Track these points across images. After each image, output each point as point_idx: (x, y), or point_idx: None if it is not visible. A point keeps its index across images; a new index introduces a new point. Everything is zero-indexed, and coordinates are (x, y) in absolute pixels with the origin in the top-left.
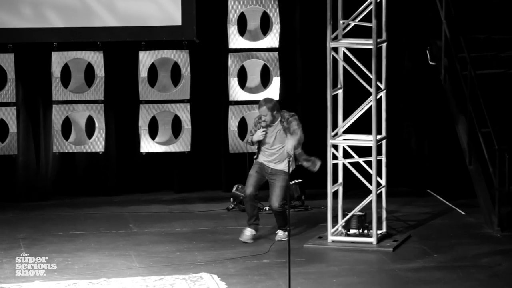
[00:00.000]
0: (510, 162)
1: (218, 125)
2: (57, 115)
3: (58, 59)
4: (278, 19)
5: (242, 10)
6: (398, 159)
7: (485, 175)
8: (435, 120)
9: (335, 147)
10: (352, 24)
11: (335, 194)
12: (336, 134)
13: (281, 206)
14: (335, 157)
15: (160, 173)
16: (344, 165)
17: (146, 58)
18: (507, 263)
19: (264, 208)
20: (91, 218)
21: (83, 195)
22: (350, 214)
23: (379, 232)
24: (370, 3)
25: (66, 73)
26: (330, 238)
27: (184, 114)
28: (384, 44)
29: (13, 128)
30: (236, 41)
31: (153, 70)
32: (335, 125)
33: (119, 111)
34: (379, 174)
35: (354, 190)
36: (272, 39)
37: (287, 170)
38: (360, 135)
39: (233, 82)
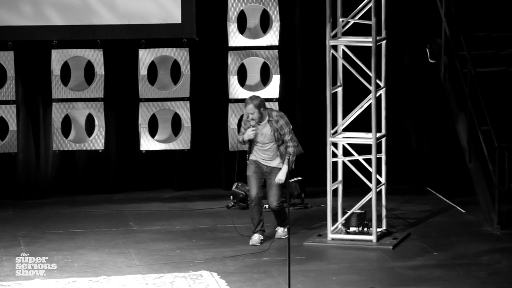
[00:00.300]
0: (510, 160)
1: (218, 123)
2: (57, 113)
3: (58, 57)
4: (277, 17)
5: (242, 8)
6: (397, 157)
7: (484, 173)
8: (435, 118)
9: (335, 145)
10: (352, 22)
11: (334, 192)
12: (336, 132)
13: (279, 204)
14: (334, 155)
15: (160, 171)
16: (343, 163)
17: (146, 56)
18: (507, 261)
19: (264, 206)
20: (91, 216)
21: (83, 193)
22: (350, 212)
23: (378, 230)
24: (370, 1)
25: (66, 71)
26: (330, 236)
27: (184, 112)
28: (384, 42)
29: (13, 126)
30: (236, 39)
31: (153, 68)
32: (334, 123)
33: (119, 109)
34: (378, 172)
35: (354, 188)
36: (272, 37)
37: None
38: (359, 133)
39: (233, 80)
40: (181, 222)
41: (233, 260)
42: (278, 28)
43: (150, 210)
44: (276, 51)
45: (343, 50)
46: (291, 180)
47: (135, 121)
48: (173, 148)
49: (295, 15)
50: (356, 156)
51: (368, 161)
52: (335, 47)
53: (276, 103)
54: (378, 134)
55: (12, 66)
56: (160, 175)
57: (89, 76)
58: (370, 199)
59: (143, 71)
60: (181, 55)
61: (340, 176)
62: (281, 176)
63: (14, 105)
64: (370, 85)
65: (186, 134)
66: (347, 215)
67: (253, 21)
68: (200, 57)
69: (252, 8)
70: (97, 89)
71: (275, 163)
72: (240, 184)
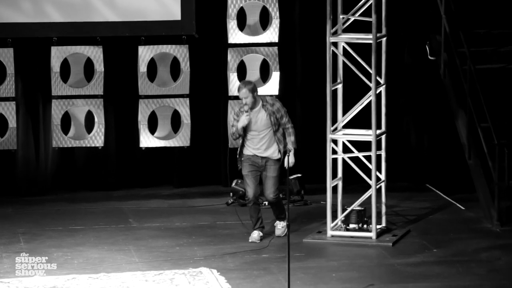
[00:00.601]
0: (510, 156)
1: (217, 120)
2: (57, 110)
3: (57, 54)
4: (277, 14)
5: (241, 5)
6: (397, 153)
7: (484, 170)
8: (434, 115)
9: (335, 141)
10: (352, 19)
11: (334, 188)
12: (336, 128)
13: (275, 196)
14: (334, 151)
15: (159, 168)
16: (343, 159)
17: (145, 53)
18: (506, 258)
19: (264, 203)
20: (90, 213)
21: (82, 190)
22: (349, 209)
23: (378, 226)
24: None
25: (65, 68)
26: (330, 233)
27: (184, 109)
28: (384, 39)
29: (12, 123)
30: (235, 36)
31: (152, 65)
32: (334, 120)
33: (118, 106)
34: (378, 169)
35: (354, 185)
36: (271, 34)
37: (278, 157)
38: (359, 129)
39: (233, 77)
40: (180, 219)
41: (232, 257)
42: (278, 25)
43: (150, 207)
44: (276, 48)
45: (343, 47)
46: (291, 177)
47: (135, 118)
48: (172, 145)
49: (295, 12)
50: (356, 153)
51: (368, 158)
52: (335, 44)
53: None
54: (378, 131)
55: (11, 63)
56: (160, 172)
57: (88, 73)
58: (370, 196)
59: (142, 68)
60: (181, 52)
61: (340, 173)
62: (291, 159)
63: (14, 102)
64: (370, 82)
65: (185, 131)
66: (346, 212)
67: (252, 18)
68: (199, 54)
69: (251, 5)
70: (96, 86)
71: (271, 151)
72: (239, 181)
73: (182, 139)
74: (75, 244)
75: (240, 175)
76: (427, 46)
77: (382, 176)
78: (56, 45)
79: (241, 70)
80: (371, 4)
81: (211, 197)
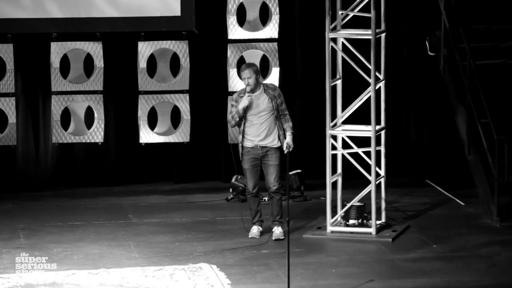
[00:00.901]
0: (509, 152)
1: (217, 116)
2: (56, 106)
3: (57, 50)
4: (277, 10)
5: (241, 1)
6: (397, 149)
7: (484, 166)
8: (434, 110)
9: (334, 137)
10: (351, 14)
11: (334, 184)
12: (335, 124)
13: (278, 185)
14: (334, 147)
15: (159, 163)
16: (343, 155)
17: (145, 49)
18: (506, 253)
19: (264, 198)
20: (90, 208)
21: (82, 186)
22: (349, 205)
23: (378, 222)
24: None
25: (65, 63)
26: (329, 228)
27: (184, 104)
28: (383, 35)
29: (12, 118)
30: (235, 31)
31: (152, 61)
32: (334, 116)
33: (118, 102)
34: (378, 164)
35: (353, 180)
36: (271, 30)
37: (278, 145)
38: (359, 125)
39: (233, 73)
40: (180, 215)
41: (232, 252)
42: (278, 21)
43: (150, 202)
44: (275, 44)
45: (342, 42)
46: (291, 173)
47: (135, 113)
48: (172, 140)
49: (294, 8)
50: (356, 149)
51: (368, 153)
52: (334, 40)
53: None
54: (378, 127)
55: (11, 59)
56: (160, 167)
57: (88, 69)
58: (370, 192)
59: (142, 63)
60: (181, 48)
61: (339, 169)
62: (289, 142)
63: (14, 98)
64: (370, 77)
65: (185, 127)
66: (346, 207)
67: (252, 13)
68: (199, 49)
69: (251, 0)
70: (96, 81)
71: (271, 138)
72: (239, 177)
73: (182, 135)
74: (75, 240)
75: (239, 171)
76: (426, 42)
77: (382, 172)
78: (56, 41)
79: (241, 66)
80: (370, 0)
81: (211, 192)
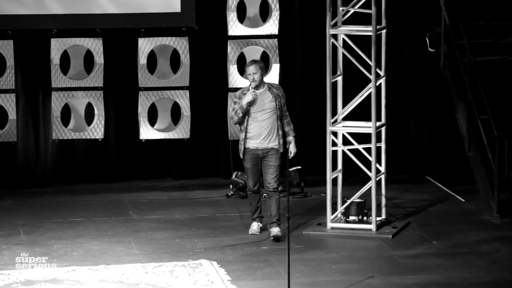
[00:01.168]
0: (509, 148)
1: (217, 112)
2: (57, 102)
3: (57, 46)
4: (277, 6)
5: None
6: (397, 146)
7: (484, 162)
8: (434, 107)
9: (335, 134)
10: (352, 11)
11: (334, 181)
12: (336, 121)
13: (276, 185)
14: (334, 144)
15: (159, 160)
16: (343, 152)
17: (145, 45)
18: (506, 250)
19: (264, 195)
20: (90, 205)
21: (82, 182)
22: (349, 201)
23: (378, 219)
24: None
25: (65, 60)
26: (330, 225)
27: (184, 101)
28: (384, 31)
29: (12, 115)
30: (235, 28)
31: (152, 57)
32: (334, 112)
33: (118, 98)
34: (378, 161)
35: (354, 177)
36: (271, 26)
37: (279, 147)
38: (359, 122)
39: (233, 69)
40: (180, 211)
41: (232, 249)
42: (278, 17)
43: (150, 199)
44: (275, 40)
45: (343, 39)
46: (291, 169)
47: (135, 110)
48: (172, 137)
49: (294, 4)
50: (356, 145)
51: (368, 150)
52: (335, 36)
53: None
54: (378, 123)
55: (11, 55)
56: (160, 164)
57: (88, 65)
58: (370, 188)
59: (142, 60)
60: (181, 44)
61: (339, 165)
62: (293, 150)
63: (14, 94)
64: (370, 74)
65: (185, 123)
66: (346, 204)
67: (252, 10)
68: (199, 46)
69: None
70: (96, 78)
71: (272, 139)
72: (239, 173)
73: (182, 131)
74: (75, 236)
75: (239, 167)
76: (427, 38)
77: (382, 168)
78: (56, 37)
79: (241, 62)
80: None
81: (211, 189)
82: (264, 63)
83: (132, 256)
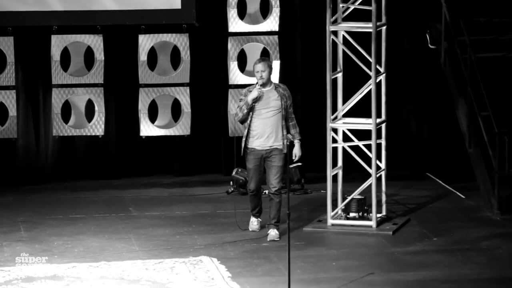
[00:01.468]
0: (510, 145)
1: (217, 109)
2: (57, 99)
3: (57, 43)
4: (277, 3)
5: None
6: (397, 142)
7: (484, 159)
8: (435, 103)
9: (335, 130)
10: (352, 7)
11: (334, 177)
12: (336, 117)
13: (279, 186)
14: (334, 140)
15: (160, 156)
16: (343, 148)
17: (145, 42)
18: (506, 246)
19: (264, 191)
20: (91, 201)
21: (83, 179)
22: (349, 198)
23: (378, 215)
24: None
25: (65, 56)
26: (330, 221)
27: (184, 97)
28: (384, 28)
29: (12, 111)
30: (236, 24)
31: (152, 54)
32: (334, 109)
33: (118, 95)
34: (378, 157)
35: (354, 173)
36: (271, 23)
37: (283, 148)
38: (359, 118)
39: (233, 66)
40: (181, 208)
41: (233, 245)
42: (278, 14)
43: (150, 195)
44: (276, 37)
45: (343, 35)
46: (291, 166)
47: (135, 106)
48: (173, 133)
49: (295, 1)
50: (356, 142)
51: (368, 146)
52: (335, 33)
53: None
54: (378, 120)
55: (12, 52)
56: (160, 160)
57: (89, 62)
58: (370, 185)
59: (143, 56)
60: (181, 41)
61: (340, 162)
62: (298, 153)
63: (14, 91)
64: (370, 70)
65: (186, 120)
66: (347, 200)
67: (253, 6)
68: (200, 42)
69: None
70: (97, 74)
71: (276, 139)
72: (240, 170)
73: (182, 128)
74: (75, 233)
75: (240, 164)
76: (427, 35)
77: (382, 165)
78: (57, 34)
79: (242, 59)
80: None
81: (212, 185)
82: (272, 62)
83: (132, 253)
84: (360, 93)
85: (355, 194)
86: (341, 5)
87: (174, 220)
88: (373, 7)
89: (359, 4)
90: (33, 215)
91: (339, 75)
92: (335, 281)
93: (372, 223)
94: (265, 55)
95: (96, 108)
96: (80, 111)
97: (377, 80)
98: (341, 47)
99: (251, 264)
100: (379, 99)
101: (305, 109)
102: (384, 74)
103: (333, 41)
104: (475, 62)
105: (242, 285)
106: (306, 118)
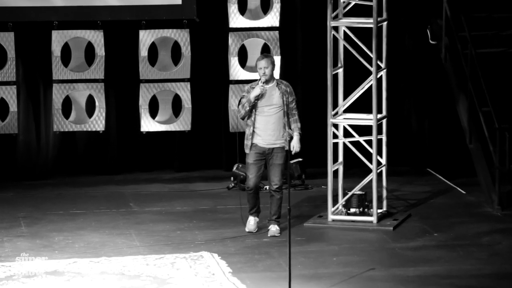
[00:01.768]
0: (511, 140)
1: (218, 104)
2: (58, 94)
3: (58, 38)
4: None
5: None
6: (398, 138)
7: (485, 154)
8: (435, 99)
9: (336, 126)
10: (353, 3)
11: (335, 173)
12: (337, 113)
13: (280, 184)
14: (335, 136)
15: (160, 152)
16: (344, 144)
17: (146, 37)
18: (507, 242)
19: (265, 187)
20: (91, 197)
21: (83, 174)
22: (350, 193)
23: (379, 211)
24: None
25: (66, 52)
26: (331, 217)
27: (185, 93)
28: (385, 23)
29: (13, 107)
30: (236, 20)
31: (153, 49)
32: (335, 104)
33: (119, 90)
34: (379, 153)
35: (355, 169)
36: (272, 18)
37: (285, 145)
38: (360, 114)
39: (234, 61)
40: (181, 203)
41: (233, 241)
42: (279, 9)
43: (151, 191)
44: (276, 32)
45: (344, 31)
46: (292, 162)
47: (136, 102)
48: (173, 129)
49: None
50: (357, 137)
51: (369, 142)
52: (336, 28)
53: None
54: (379, 115)
55: (12, 47)
56: (161, 156)
57: (89, 57)
58: (371, 180)
59: (143, 52)
60: (182, 36)
61: (340, 157)
62: (296, 145)
63: (15, 86)
64: (371, 66)
65: (186, 115)
66: (347, 196)
67: (253, 2)
68: (200, 38)
69: None
70: (97, 70)
71: (278, 136)
72: (240, 165)
73: (183, 123)
74: (76, 228)
75: (240, 159)
76: (428, 30)
77: (383, 161)
78: (57, 29)
79: (242, 54)
80: None
81: (212, 181)
82: (274, 58)
83: (133, 248)
84: (361, 89)
85: (356, 190)
86: (342, 1)
87: (174, 215)
88: (374, 3)
89: None
90: (34, 211)
91: (340, 71)
92: (336, 276)
93: (373, 218)
94: (265, 51)
95: (96, 103)
96: (80, 106)
97: (378, 76)
98: (342, 43)
99: (252, 260)
100: (380, 94)
101: (306, 105)
102: (385, 70)
103: (334, 37)
104: (476, 57)
105: (243, 281)
106: (307, 113)
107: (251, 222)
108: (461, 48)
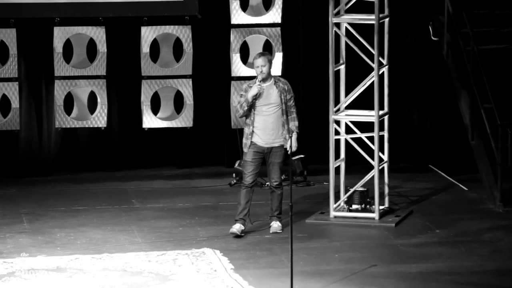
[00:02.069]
0: None
1: (220, 101)
2: (59, 91)
3: (60, 35)
4: None
5: None
6: (400, 134)
7: (487, 151)
8: (437, 95)
9: (337, 122)
10: None
11: (337, 169)
12: (338, 109)
13: (279, 182)
14: (337, 132)
15: (162, 148)
16: (346, 140)
17: (148, 34)
18: (509, 238)
19: (266, 184)
20: (93, 193)
21: (85, 171)
22: (352, 190)
23: (381, 207)
24: None
25: (68, 48)
26: (332, 213)
27: (186, 89)
28: (387, 20)
29: (15, 103)
30: (238, 16)
31: (155, 46)
32: (337, 101)
33: (121, 87)
34: (381, 149)
35: (356, 165)
36: (274, 15)
37: (284, 143)
38: (362, 110)
39: (235, 58)
40: (183, 200)
41: (235, 237)
42: (281, 6)
43: (153, 187)
44: (278, 29)
45: (346, 27)
46: (294, 158)
47: (138, 98)
48: (175, 125)
49: None
50: (359, 134)
51: (371, 138)
52: (338, 25)
53: None
54: (381, 112)
55: (14, 44)
56: (163, 152)
57: (91, 54)
58: (373, 177)
59: (145, 48)
60: (184, 33)
61: (342, 154)
62: (293, 145)
63: (17, 83)
64: (373, 62)
65: (188, 112)
66: (349, 192)
67: None
68: (202, 34)
69: None
70: (99, 66)
71: (277, 135)
72: (242, 162)
73: (185, 120)
74: (78, 225)
75: (242, 156)
76: (430, 27)
77: (385, 157)
78: (59, 26)
79: (244, 51)
80: None
81: (214, 177)
82: (272, 56)
83: (135, 245)
84: (363, 85)
85: (358, 186)
86: None
87: (176, 212)
88: None
89: None
90: (36, 207)
91: (342, 67)
92: (338, 273)
93: (375, 215)
94: (267, 47)
95: (98, 100)
96: (82, 103)
97: (380, 72)
98: (343, 39)
99: (254, 256)
100: (382, 91)
101: (308, 101)
102: (386, 66)
103: (336, 33)
104: (478, 54)
105: (245, 277)
106: (308, 110)
107: (236, 226)
108: (463, 44)
